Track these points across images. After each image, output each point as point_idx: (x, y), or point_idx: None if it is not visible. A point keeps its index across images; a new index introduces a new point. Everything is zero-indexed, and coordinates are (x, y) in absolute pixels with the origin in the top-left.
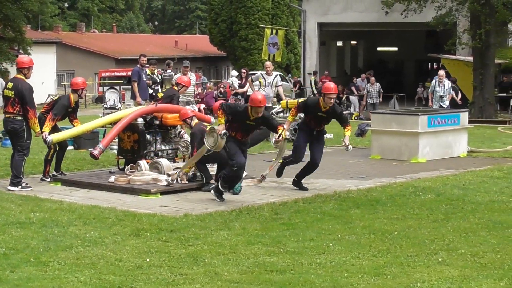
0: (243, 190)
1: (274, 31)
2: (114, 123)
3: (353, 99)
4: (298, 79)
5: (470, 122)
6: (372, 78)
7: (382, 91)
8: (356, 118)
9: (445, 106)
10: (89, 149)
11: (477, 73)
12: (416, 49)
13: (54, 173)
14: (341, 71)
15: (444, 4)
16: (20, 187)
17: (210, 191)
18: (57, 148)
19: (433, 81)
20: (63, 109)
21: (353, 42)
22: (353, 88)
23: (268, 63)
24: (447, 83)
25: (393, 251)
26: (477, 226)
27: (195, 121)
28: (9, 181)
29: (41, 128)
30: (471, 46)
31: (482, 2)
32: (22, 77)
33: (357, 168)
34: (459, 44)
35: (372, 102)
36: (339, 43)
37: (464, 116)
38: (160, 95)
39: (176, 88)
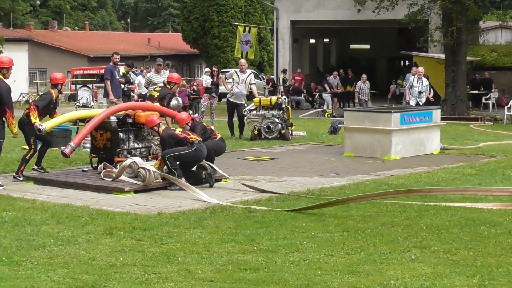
0: (217, 188)
1: (247, 28)
2: (87, 120)
3: (326, 96)
4: (271, 76)
5: (442, 119)
6: (364, 76)
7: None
8: (329, 115)
9: (421, 103)
10: (61, 148)
11: (449, 70)
12: (388, 46)
13: (35, 167)
14: (313, 69)
15: (416, 2)
16: None
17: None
18: (38, 147)
19: (412, 77)
20: (47, 102)
21: (326, 40)
22: (326, 85)
23: (242, 61)
24: (425, 80)
25: (366, 249)
26: (450, 223)
27: (162, 127)
28: None
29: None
30: (443, 43)
31: (454, 0)
32: (1, 77)
33: (330, 166)
34: (431, 42)
35: (365, 99)
36: (312, 41)
37: (437, 113)
38: (155, 94)
39: (169, 86)
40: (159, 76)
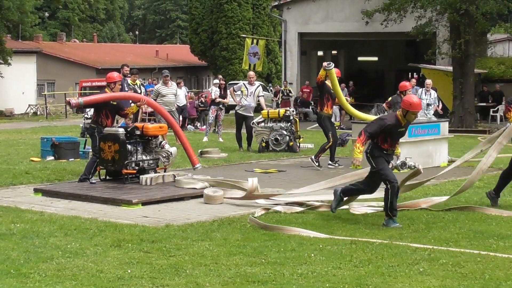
0: (225, 200)
1: (255, 40)
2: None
3: (334, 108)
4: (280, 88)
5: (450, 131)
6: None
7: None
8: (337, 128)
9: (429, 116)
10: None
11: (457, 82)
12: (397, 58)
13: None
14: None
15: (424, 14)
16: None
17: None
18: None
19: (420, 89)
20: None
21: (334, 52)
22: None
23: (251, 73)
24: (433, 93)
25: (374, 262)
26: (458, 236)
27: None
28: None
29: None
30: (450, 55)
31: (462, 12)
32: (107, 90)
33: None
34: (439, 54)
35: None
36: (320, 53)
37: (444, 125)
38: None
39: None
40: (167, 88)
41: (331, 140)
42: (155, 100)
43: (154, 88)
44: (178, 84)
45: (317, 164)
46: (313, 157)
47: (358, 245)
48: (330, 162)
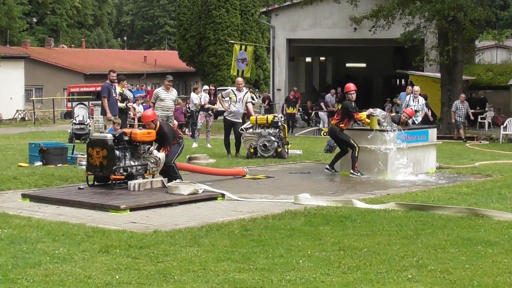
0: (213, 206)
1: (243, 47)
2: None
3: (322, 114)
4: (268, 94)
5: (438, 138)
6: (463, 95)
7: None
8: (325, 134)
9: (417, 122)
10: None
11: (445, 89)
12: (385, 65)
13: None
14: (310, 87)
15: (412, 21)
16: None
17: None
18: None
19: (408, 96)
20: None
21: (322, 58)
22: (322, 104)
23: (240, 79)
24: (421, 99)
25: (362, 268)
26: (446, 243)
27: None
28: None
29: None
30: (439, 62)
31: (450, 19)
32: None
33: (326, 184)
34: (427, 61)
35: (462, 120)
36: (308, 59)
37: (433, 132)
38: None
39: None
40: (166, 92)
41: (357, 146)
42: (154, 103)
43: (155, 91)
44: (195, 89)
45: (358, 174)
46: (351, 171)
47: (346, 251)
48: (327, 167)
